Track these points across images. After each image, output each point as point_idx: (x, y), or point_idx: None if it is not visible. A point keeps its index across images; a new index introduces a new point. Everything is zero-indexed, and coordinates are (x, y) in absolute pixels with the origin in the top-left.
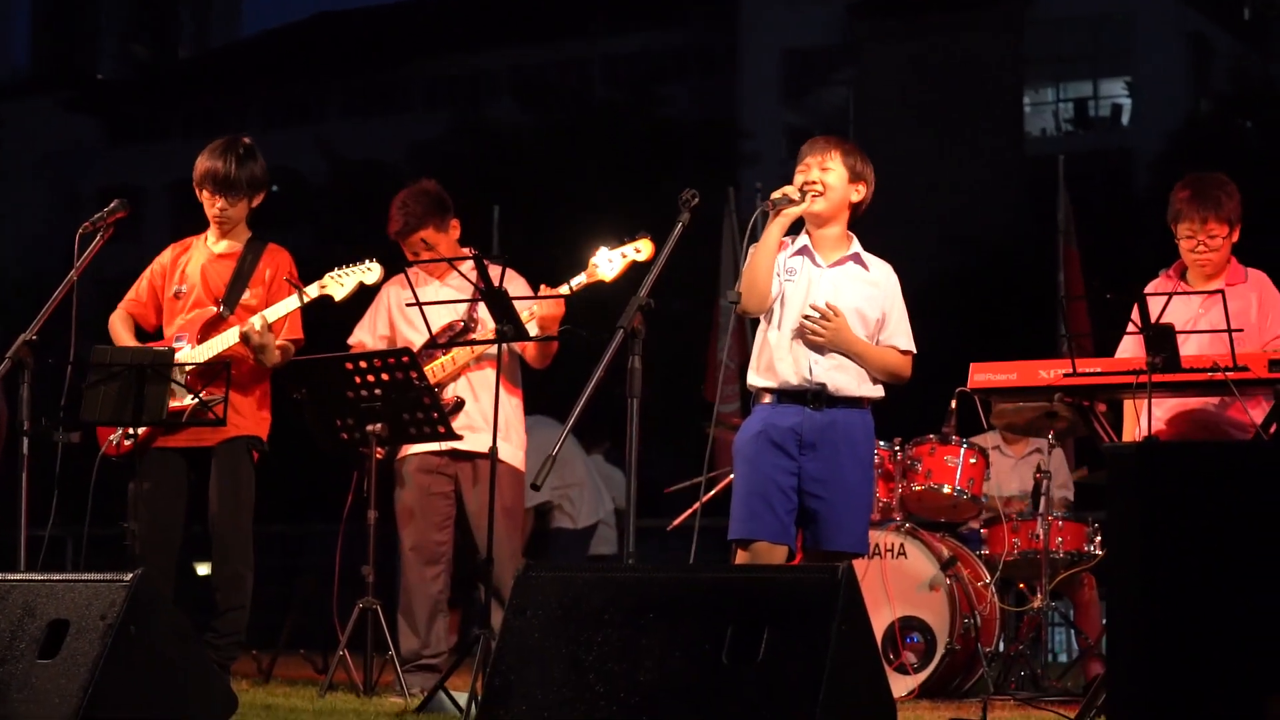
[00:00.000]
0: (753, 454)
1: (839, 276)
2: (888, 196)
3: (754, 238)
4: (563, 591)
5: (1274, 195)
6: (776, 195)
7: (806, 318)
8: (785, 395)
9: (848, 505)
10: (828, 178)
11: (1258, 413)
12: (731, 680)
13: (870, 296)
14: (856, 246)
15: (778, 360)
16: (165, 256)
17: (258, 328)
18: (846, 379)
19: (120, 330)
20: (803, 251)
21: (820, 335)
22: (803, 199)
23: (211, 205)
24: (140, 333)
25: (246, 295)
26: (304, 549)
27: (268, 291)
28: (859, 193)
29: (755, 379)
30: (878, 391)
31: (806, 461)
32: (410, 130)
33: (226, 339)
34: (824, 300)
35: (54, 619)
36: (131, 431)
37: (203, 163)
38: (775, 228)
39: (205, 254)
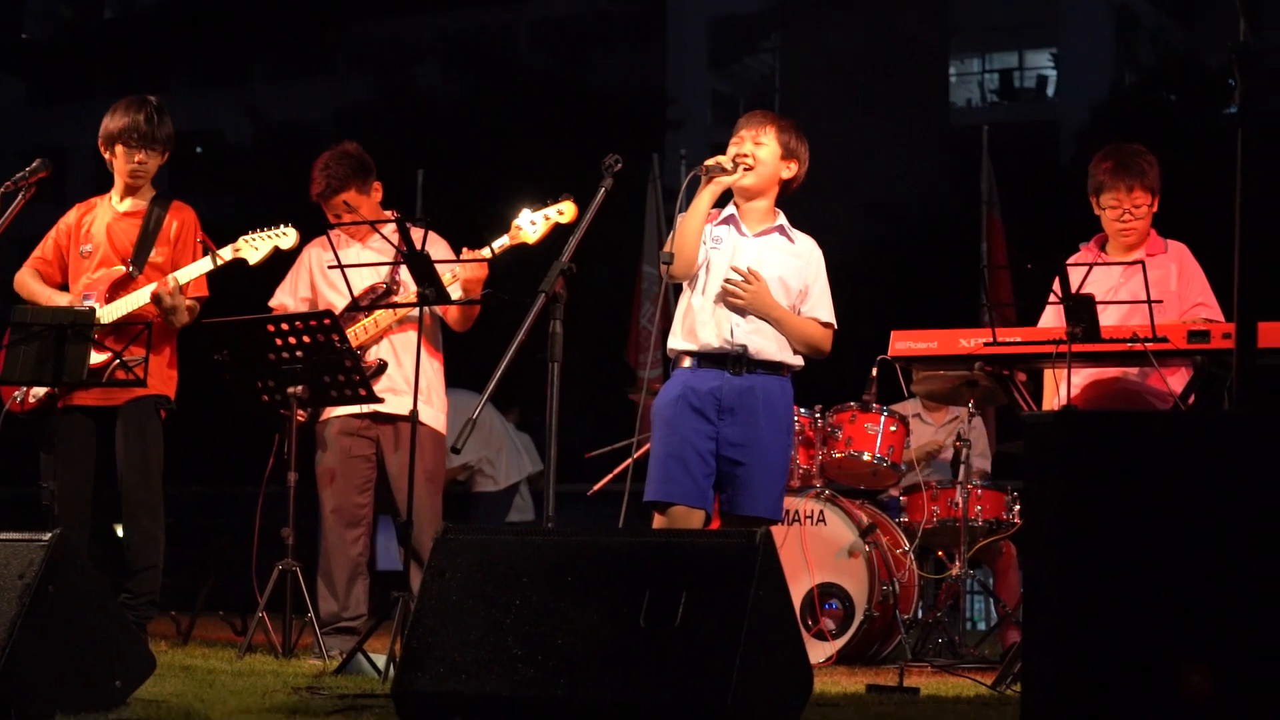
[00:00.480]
0: (671, 417)
1: (763, 246)
2: (812, 165)
3: (685, 205)
4: (482, 554)
5: (1196, 169)
6: (710, 163)
7: (729, 280)
8: (705, 359)
9: (764, 471)
10: (760, 152)
11: (1175, 383)
12: (649, 644)
13: (793, 267)
14: (782, 220)
15: (700, 325)
16: (70, 216)
17: (170, 288)
18: (767, 343)
19: (32, 284)
20: (729, 221)
21: (741, 297)
22: (735, 171)
23: (129, 161)
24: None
25: (154, 254)
26: (222, 510)
27: (174, 250)
28: (790, 170)
29: (676, 343)
30: (797, 361)
31: (725, 426)
32: (335, 93)
33: (137, 299)
34: (746, 267)
35: None
36: (42, 392)
37: (119, 119)
38: (706, 194)
39: (110, 213)
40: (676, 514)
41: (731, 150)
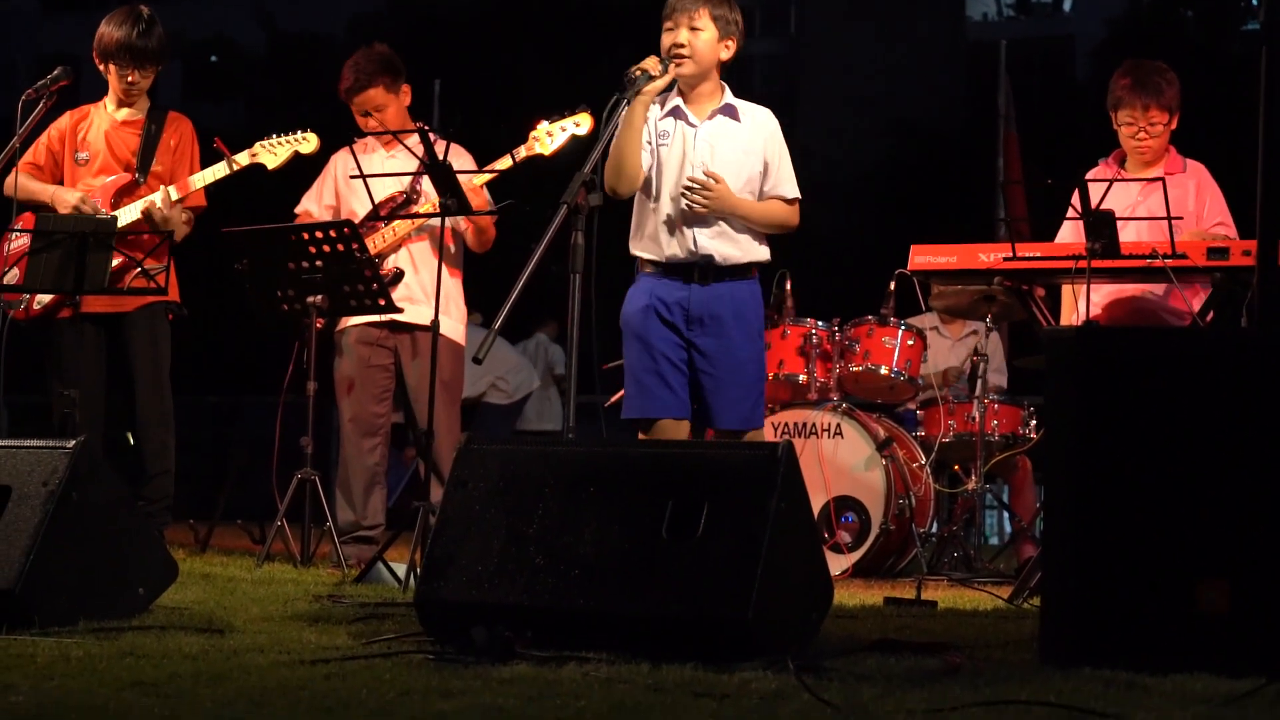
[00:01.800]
0: (641, 328)
1: (714, 131)
2: (829, 81)
3: (610, 120)
4: (504, 465)
5: (1212, 85)
6: (635, 72)
7: (686, 189)
8: (670, 268)
9: (738, 383)
10: (697, 40)
11: (1193, 300)
12: (671, 554)
13: (748, 149)
14: (729, 97)
15: (661, 232)
16: (63, 122)
17: (159, 203)
18: (733, 248)
19: (31, 184)
20: (674, 113)
21: (704, 205)
22: (664, 70)
23: (123, 79)
24: None
25: (154, 164)
26: (237, 419)
27: (173, 160)
28: (729, 49)
29: (637, 249)
30: (765, 254)
31: (696, 337)
32: (348, 1)
33: (135, 210)
34: (701, 161)
35: None
36: (48, 298)
37: (110, 35)
38: (639, 107)
39: (108, 120)
40: (664, 427)
41: (666, 40)
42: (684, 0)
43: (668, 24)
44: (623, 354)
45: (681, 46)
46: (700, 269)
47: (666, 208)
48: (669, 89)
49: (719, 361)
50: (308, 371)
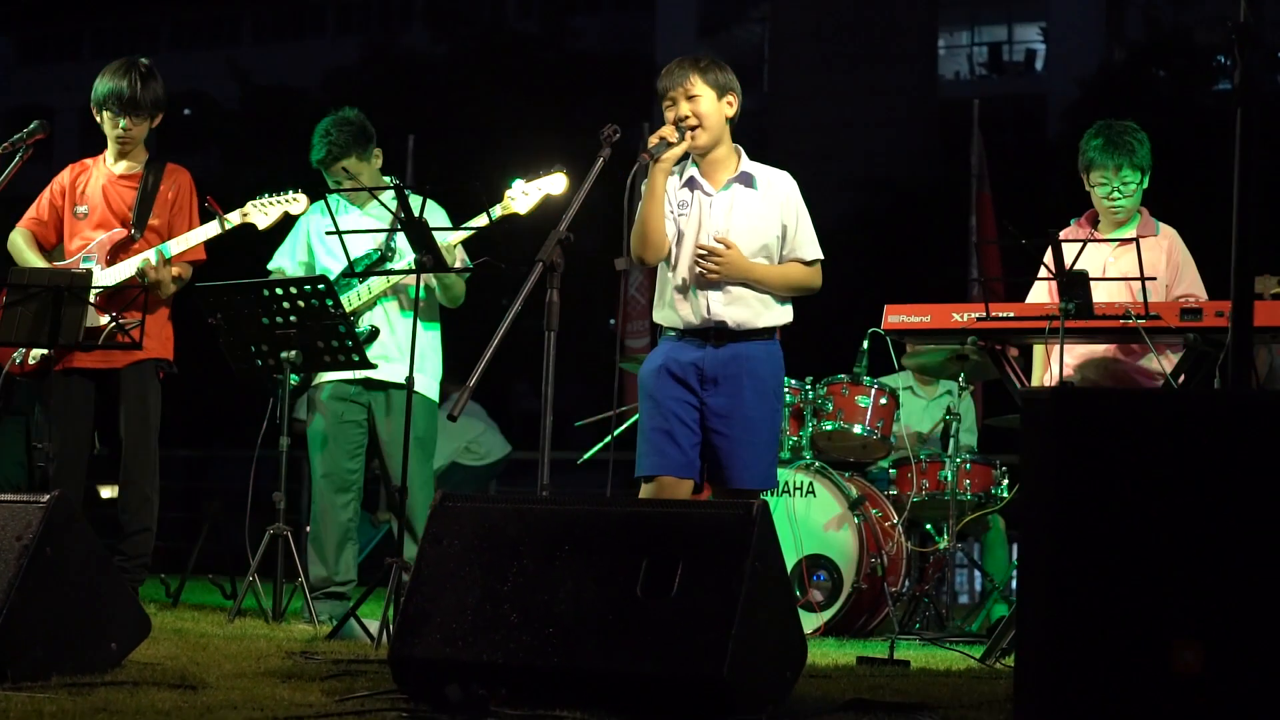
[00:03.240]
0: (654, 388)
1: (731, 200)
2: (801, 134)
3: (634, 193)
4: (479, 522)
5: (1184, 145)
6: (653, 142)
7: (699, 259)
8: (687, 332)
9: (750, 442)
10: (700, 106)
11: (1156, 361)
12: (645, 613)
13: (765, 214)
14: (745, 163)
15: (677, 301)
16: (64, 177)
17: (154, 263)
18: (746, 312)
19: (24, 249)
20: (690, 183)
21: (715, 272)
22: (681, 138)
23: (115, 127)
24: (41, 252)
25: (152, 218)
26: (208, 473)
27: (171, 214)
28: (732, 106)
29: (658, 317)
30: (784, 317)
31: (709, 396)
32: (322, 55)
33: (132, 266)
34: (716, 231)
35: None
36: (40, 353)
37: (104, 84)
38: (659, 175)
39: (105, 174)
40: (665, 484)
41: (669, 117)
42: (672, 76)
43: (665, 103)
44: (639, 413)
45: (688, 118)
46: (715, 333)
47: (683, 275)
48: (685, 158)
49: (731, 420)
50: (281, 426)
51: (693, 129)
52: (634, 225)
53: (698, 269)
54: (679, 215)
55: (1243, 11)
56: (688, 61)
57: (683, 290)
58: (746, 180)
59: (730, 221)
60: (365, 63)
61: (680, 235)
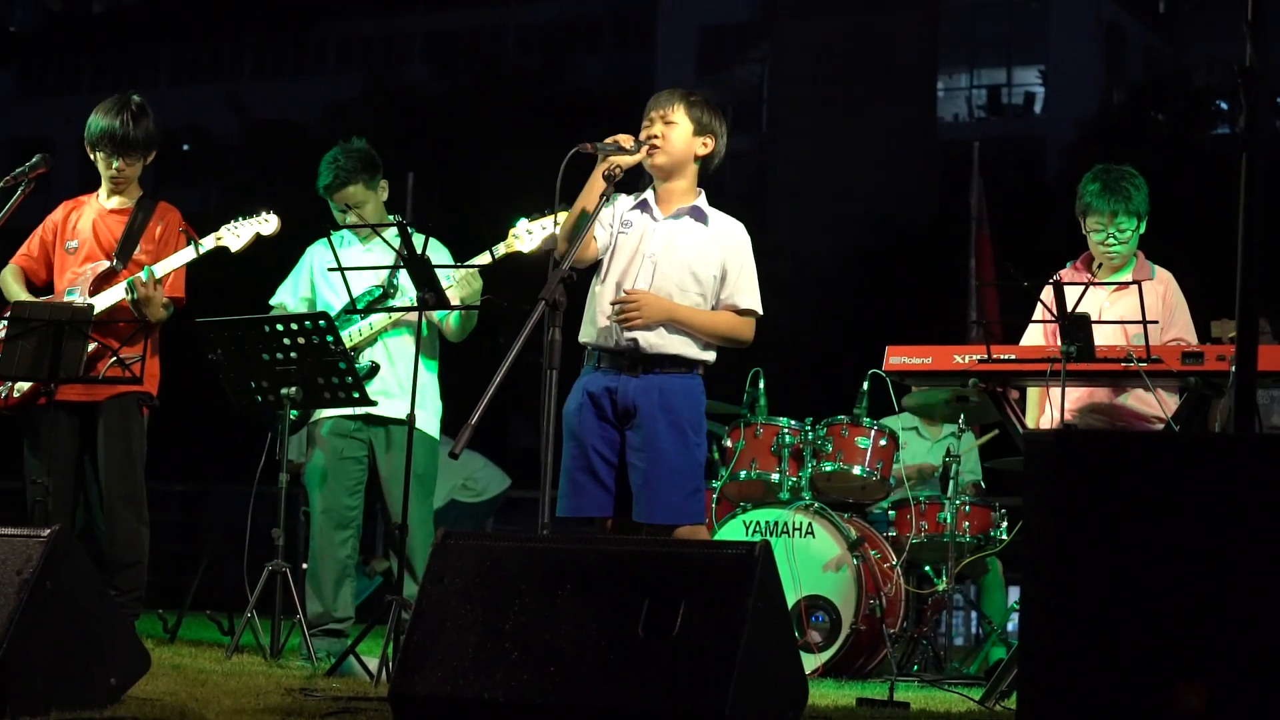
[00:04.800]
0: (576, 426)
1: (673, 229)
2: (800, 174)
3: (563, 177)
4: (480, 560)
5: (1183, 187)
6: (606, 141)
7: (614, 316)
8: (605, 356)
9: (662, 477)
10: (670, 132)
11: (1155, 405)
12: (647, 652)
13: (706, 250)
14: (701, 201)
15: (600, 317)
16: (57, 214)
17: (144, 279)
18: (659, 339)
19: (11, 284)
20: (642, 205)
21: (634, 319)
22: (636, 150)
23: (109, 166)
24: (31, 288)
25: (138, 251)
26: (205, 508)
27: (158, 248)
28: (706, 146)
29: (583, 335)
30: (707, 355)
31: (626, 429)
32: (322, 91)
33: (119, 292)
34: (653, 253)
35: None
36: (26, 386)
37: (97, 124)
38: (597, 173)
39: (97, 209)
40: (599, 527)
41: (642, 134)
42: (660, 99)
43: (644, 122)
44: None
45: (655, 137)
46: (629, 358)
47: (609, 293)
48: (649, 184)
49: (643, 455)
50: (280, 463)
51: (653, 148)
52: (565, 217)
53: (619, 317)
54: (620, 233)
55: (1249, 56)
56: (678, 91)
57: (605, 310)
58: (697, 215)
59: (670, 248)
60: (365, 98)
61: (615, 251)
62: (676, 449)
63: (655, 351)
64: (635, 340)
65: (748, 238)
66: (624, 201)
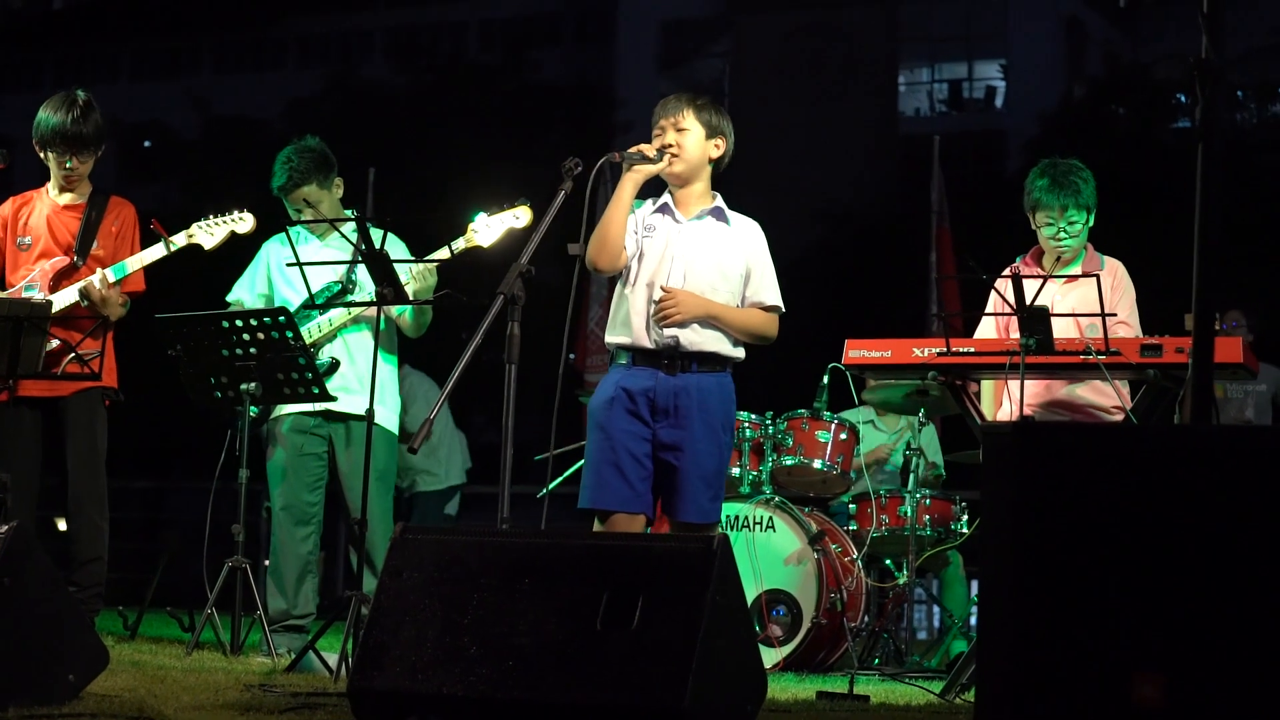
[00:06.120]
0: (605, 420)
1: (698, 231)
2: (761, 169)
3: (596, 190)
4: (439, 554)
5: (1143, 180)
6: (631, 151)
7: (655, 314)
8: (640, 356)
9: (697, 477)
10: (684, 139)
11: (1110, 395)
12: (605, 646)
13: (731, 251)
14: (719, 203)
15: (634, 319)
16: (5, 209)
17: (97, 284)
18: (700, 335)
19: None
20: (663, 209)
21: (676, 315)
22: (659, 159)
23: (61, 165)
24: None
25: (95, 247)
26: (165, 504)
27: (116, 244)
28: (718, 148)
29: (612, 336)
30: (738, 352)
31: (660, 428)
32: (283, 87)
33: (75, 291)
34: (682, 255)
35: None
36: None
37: (47, 123)
38: (629, 184)
39: (49, 205)
40: (616, 521)
41: (656, 143)
42: (667, 105)
43: (655, 131)
44: (586, 444)
45: (671, 145)
46: (668, 356)
47: (641, 295)
48: (663, 189)
49: (680, 454)
50: (239, 458)
51: (673, 156)
52: (595, 229)
53: (658, 315)
54: (644, 237)
55: (1204, 49)
56: (685, 97)
57: (639, 311)
58: (719, 215)
59: (698, 249)
60: (326, 94)
61: (642, 256)
62: (709, 449)
63: (695, 349)
64: (676, 338)
65: (764, 236)
66: (643, 207)
